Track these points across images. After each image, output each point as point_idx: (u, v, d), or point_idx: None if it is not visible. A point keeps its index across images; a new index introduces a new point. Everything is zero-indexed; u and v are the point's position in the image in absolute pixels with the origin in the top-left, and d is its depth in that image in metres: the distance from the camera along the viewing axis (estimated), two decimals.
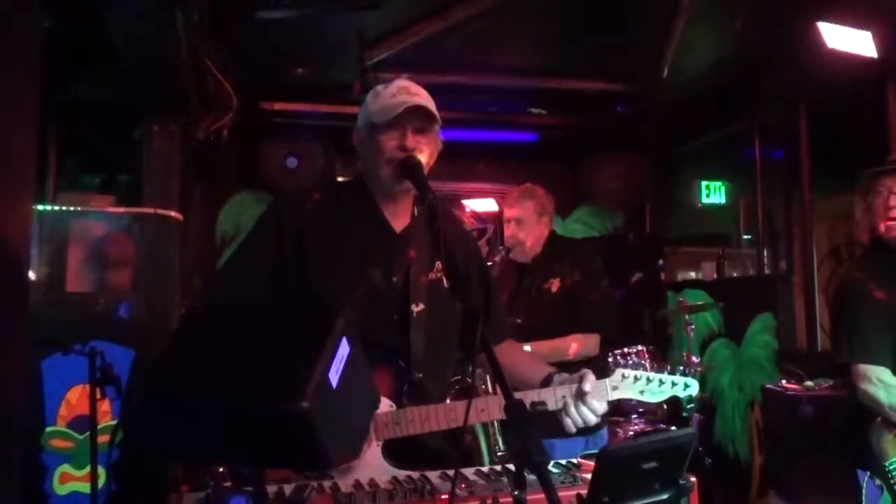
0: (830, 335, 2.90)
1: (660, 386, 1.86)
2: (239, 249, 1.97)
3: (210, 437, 1.19)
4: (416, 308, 1.85)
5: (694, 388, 1.90)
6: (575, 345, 3.17)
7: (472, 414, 1.73)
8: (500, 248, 3.38)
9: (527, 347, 3.08)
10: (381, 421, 1.72)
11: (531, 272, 3.35)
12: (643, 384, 1.85)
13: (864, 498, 2.42)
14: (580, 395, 1.74)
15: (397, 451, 1.75)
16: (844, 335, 2.56)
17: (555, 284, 3.25)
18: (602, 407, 1.76)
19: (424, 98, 1.84)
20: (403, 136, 1.80)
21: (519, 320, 3.19)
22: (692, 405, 4.02)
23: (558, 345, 3.15)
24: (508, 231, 3.35)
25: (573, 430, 1.75)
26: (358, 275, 1.85)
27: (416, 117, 1.81)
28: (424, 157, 1.82)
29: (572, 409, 1.74)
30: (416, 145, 1.80)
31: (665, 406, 4.26)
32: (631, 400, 1.90)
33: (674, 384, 1.88)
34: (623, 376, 1.83)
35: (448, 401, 1.90)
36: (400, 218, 1.93)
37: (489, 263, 3.48)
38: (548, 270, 3.31)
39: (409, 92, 1.84)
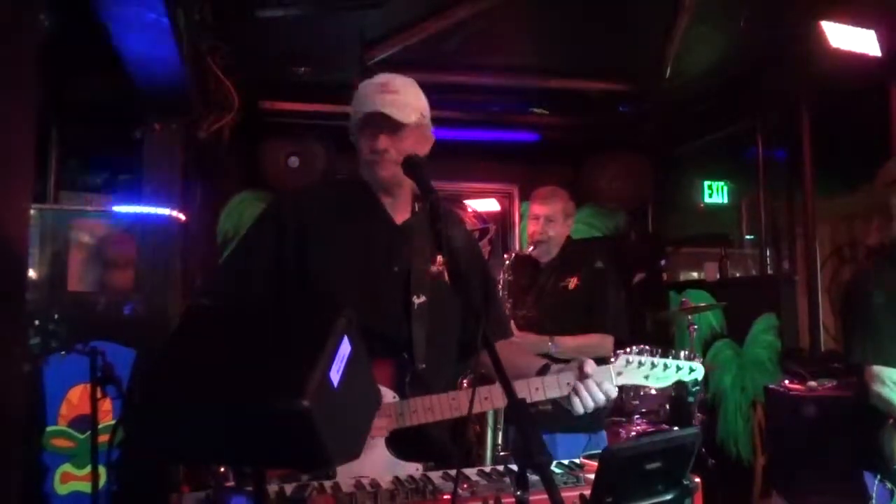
0: (842, 335, 2.87)
1: (664, 370, 1.84)
2: (240, 246, 1.97)
3: (210, 436, 1.18)
4: (418, 300, 1.85)
5: (699, 372, 1.88)
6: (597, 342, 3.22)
7: (475, 402, 1.72)
8: (531, 246, 3.43)
9: (550, 343, 3.14)
10: (385, 412, 1.71)
11: (548, 271, 3.40)
12: (647, 369, 1.83)
13: (874, 501, 2.40)
14: (585, 378, 1.73)
15: (402, 443, 1.74)
16: (857, 336, 2.54)
17: (572, 282, 3.30)
18: (613, 389, 1.75)
19: (398, 96, 1.84)
20: (375, 139, 1.83)
21: (531, 313, 3.27)
22: (697, 388, 4.01)
23: (580, 342, 3.19)
24: (536, 227, 3.38)
25: (581, 410, 1.74)
26: (358, 265, 1.85)
27: (386, 119, 1.82)
28: (404, 154, 1.80)
29: (582, 390, 1.72)
30: (387, 147, 1.82)
31: (668, 406, 4.26)
32: (639, 392, 1.89)
33: (678, 368, 1.85)
34: (627, 362, 1.81)
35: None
36: (400, 211, 1.94)
37: (508, 256, 3.54)
38: (564, 270, 3.36)
39: (384, 90, 1.84)
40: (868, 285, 2.58)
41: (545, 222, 3.36)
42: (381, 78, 1.89)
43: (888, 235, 2.64)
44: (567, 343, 3.15)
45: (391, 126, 1.82)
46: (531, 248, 3.41)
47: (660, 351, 1.85)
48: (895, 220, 2.61)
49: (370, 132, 1.84)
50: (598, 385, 1.73)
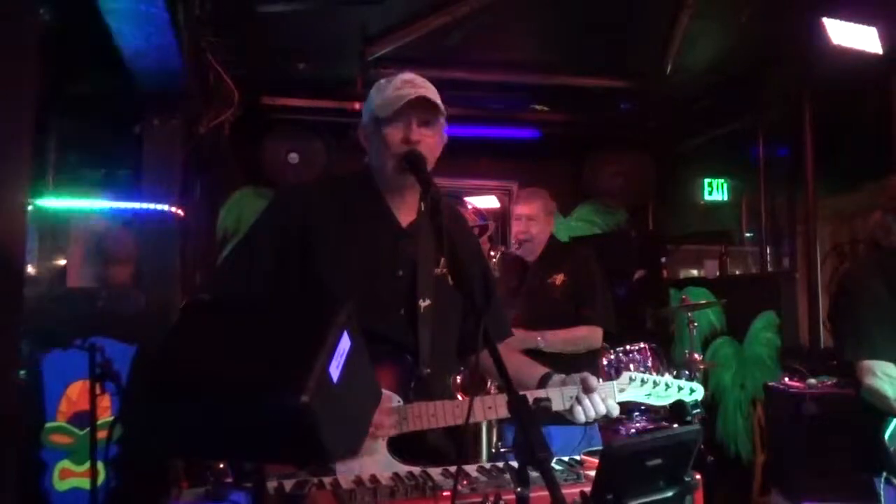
0: (834, 333, 2.89)
1: (666, 390, 1.89)
2: (242, 243, 1.95)
3: (209, 432, 1.17)
4: (423, 303, 1.84)
5: (699, 393, 1.94)
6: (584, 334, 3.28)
7: (479, 411, 1.72)
8: (514, 243, 3.48)
9: (539, 339, 3.16)
10: (388, 416, 1.70)
11: (533, 269, 3.45)
12: (650, 387, 1.87)
13: (882, 502, 2.39)
14: (591, 390, 1.74)
15: (401, 446, 1.73)
16: (850, 334, 2.55)
17: (559, 279, 3.35)
18: (616, 408, 1.77)
19: (430, 90, 1.82)
20: (408, 128, 1.78)
21: (518, 312, 3.29)
22: (698, 410, 4.03)
23: (569, 335, 3.24)
24: (520, 227, 3.46)
25: (583, 419, 1.75)
26: (363, 269, 1.83)
27: (420, 110, 1.79)
28: (429, 149, 1.80)
29: (586, 400, 1.74)
30: (420, 138, 1.78)
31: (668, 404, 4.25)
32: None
33: (680, 388, 1.90)
34: (630, 379, 1.85)
35: (460, 397, 1.89)
36: (406, 213, 1.91)
37: (495, 253, 3.55)
38: (550, 267, 3.41)
39: (413, 84, 1.81)
40: (857, 283, 2.59)
41: (527, 221, 3.43)
42: (405, 76, 1.85)
43: (884, 236, 2.65)
44: (556, 337, 3.20)
45: (425, 117, 1.80)
46: (516, 247, 3.48)
47: (658, 363, 1.89)
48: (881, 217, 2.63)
49: (402, 122, 1.78)
50: (603, 400, 1.75)
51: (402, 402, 1.75)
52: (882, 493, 2.40)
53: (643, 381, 1.85)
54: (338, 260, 1.82)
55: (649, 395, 1.86)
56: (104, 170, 4.97)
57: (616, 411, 1.77)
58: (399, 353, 1.79)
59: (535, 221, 3.44)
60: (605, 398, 1.75)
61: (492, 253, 3.60)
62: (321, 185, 1.98)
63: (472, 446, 3.45)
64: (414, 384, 1.78)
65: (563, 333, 3.23)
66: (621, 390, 1.82)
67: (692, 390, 1.91)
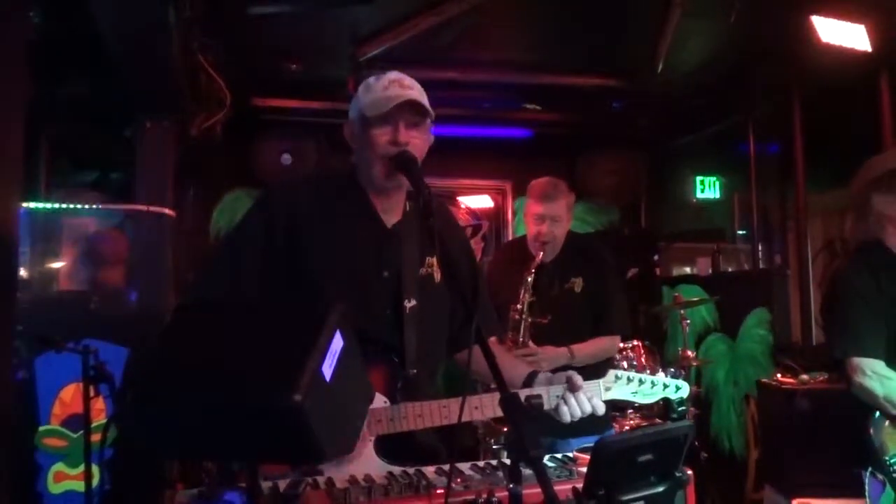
0: (825, 331, 2.90)
1: (652, 387, 1.90)
2: (228, 242, 1.93)
3: (203, 432, 1.18)
4: (409, 304, 1.84)
5: (685, 391, 1.95)
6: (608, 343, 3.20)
7: (465, 411, 1.72)
8: (536, 246, 3.16)
9: (569, 355, 3.04)
10: (375, 416, 1.71)
11: (551, 271, 3.20)
12: (636, 385, 1.88)
13: (867, 494, 2.41)
14: (574, 391, 1.74)
15: (390, 447, 1.74)
16: (839, 331, 2.56)
17: (577, 284, 3.16)
18: (601, 406, 1.78)
19: (417, 91, 1.82)
20: (396, 130, 1.78)
21: (545, 321, 3.10)
22: (683, 408, 4.02)
23: (594, 347, 3.14)
24: (542, 228, 3.12)
25: (568, 419, 1.76)
26: (349, 270, 1.83)
27: (408, 112, 1.79)
28: (417, 150, 1.80)
29: (572, 399, 1.74)
30: (408, 140, 1.78)
31: (661, 401, 4.27)
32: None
33: (665, 386, 1.92)
34: (616, 377, 1.86)
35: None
36: (391, 213, 1.91)
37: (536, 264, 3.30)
38: (568, 270, 3.19)
39: (401, 85, 1.81)
40: (846, 282, 2.60)
41: (551, 223, 3.11)
42: (392, 75, 1.84)
43: (864, 231, 2.66)
44: (584, 351, 3.08)
45: (413, 119, 1.80)
46: (541, 254, 3.12)
47: (650, 361, 1.90)
48: (874, 218, 2.63)
49: (390, 123, 1.78)
50: (588, 399, 1.75)
51: (388, 403, 1.75)
52: (868, 486, 2.41)
53: (629, 380, 1.86)
54: (324, 260, 1.81)
55: (635, 392, 1.88)
56: (96, 172, 4.96)
57: (601, 410, 1.77)
58: (385, 353, 1.79)
59: (559, 223, 3.12)
60: (591, 397, 1.76)
61: (527, 276, 3.16)
62: (307, 184, 1.97)
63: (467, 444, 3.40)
64: (401, 385, 1.79)
65: (589, 346, 3.10)
66: (607, 389, 1.84)
67: (678, 388, 1.92)
